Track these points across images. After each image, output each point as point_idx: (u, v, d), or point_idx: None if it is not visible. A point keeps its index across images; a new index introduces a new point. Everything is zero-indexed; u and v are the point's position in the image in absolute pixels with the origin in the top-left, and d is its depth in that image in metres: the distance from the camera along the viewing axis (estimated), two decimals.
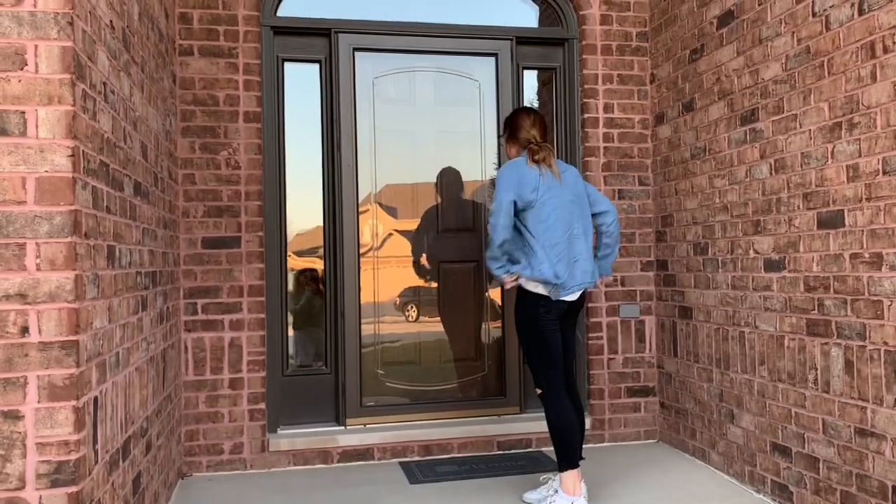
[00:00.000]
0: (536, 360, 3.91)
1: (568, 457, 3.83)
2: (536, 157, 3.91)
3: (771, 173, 3.99)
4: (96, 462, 2.54)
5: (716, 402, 4.51)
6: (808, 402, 3.72)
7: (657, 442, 5.24)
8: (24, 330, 2.28)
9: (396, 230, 5.25)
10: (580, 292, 3.92)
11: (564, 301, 3.85)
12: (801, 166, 3.75)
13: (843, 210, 3.47)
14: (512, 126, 4.10)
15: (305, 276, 5.24)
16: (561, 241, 3.83)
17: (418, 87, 5.26)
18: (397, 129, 5.22)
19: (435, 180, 5.30)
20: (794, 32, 3.80)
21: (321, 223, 5.16)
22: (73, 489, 2.32)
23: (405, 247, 5.27)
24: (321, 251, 5.18)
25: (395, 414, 5.11)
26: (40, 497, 2.29)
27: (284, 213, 5.02)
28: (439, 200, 5.30)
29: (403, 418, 5.10)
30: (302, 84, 5.14)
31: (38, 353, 2.29)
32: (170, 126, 4.36)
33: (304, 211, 5.17)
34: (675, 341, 4.99)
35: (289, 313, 5.07)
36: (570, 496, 3.80)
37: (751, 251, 4.16)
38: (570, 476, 3.82)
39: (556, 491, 3.86)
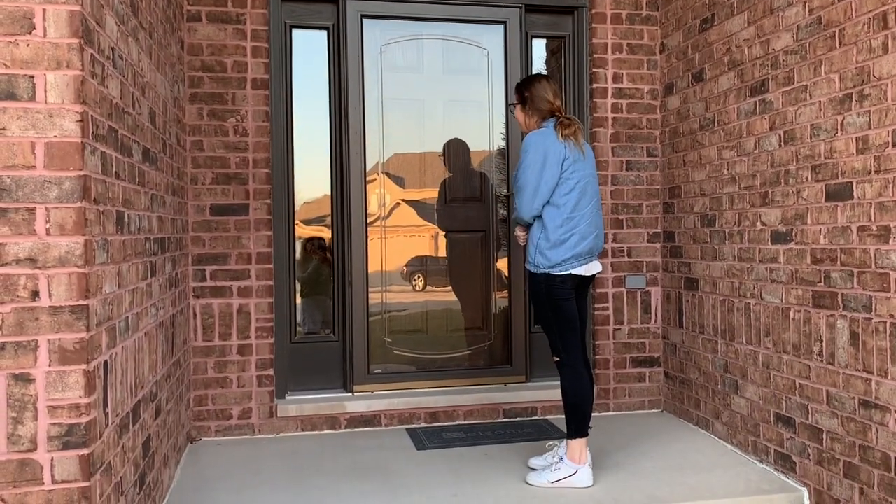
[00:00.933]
0: (554, 328, 3.92)
1: (579, 425, 3.86)
2: (567, 132, 3.85)
3: (780, 145, 3.97)
4: (107, 425, 2.57)
5: (720, 373, 4.53)
6: (812, 373, 3.73)
7: (661, 412, 5.27)
8: (35, 294, 2.30)
9: (404, 199, 5.25)
10: (589, 267, 3.91)
11: (576, 275, 3.87)
12: (811, 138, 3.74)
13: (851, 182, 3.46)
14: (532, 94, 3.99)
15: (313, 244, 5.26)
16: (582, 213, 3.83)
17: (426, 56, 5.24)
18: (405, 97, 5.20)
19: (442, 150, 5.30)
20: (805, 2, 3.77)
21: (328, 192, 5.17)
22: (84, 451, 2.35)
23: (413, 216, 5.27)
24: (328, 220, 5.19)
25: (402, 381, 5.15)
26: (52, 459, 2.32)
27: (292, 180, 5.03)
28: (448, 170, 5.30)
29: (410, 386, 5.14)
30: (310, 51, 5.13)
31: (48, 317, 2.31)
32: (178, 92, 4.35)
33: (311, 179, 5.17)
34: (681, 312, 5.01)
35: (296, 281, 5.09)
36: (575, 464, 3.84)
37: (758, 223, 4.15)
38: (578, 444, 3.86)
39: (561, 458, 3.90)
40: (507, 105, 5.23)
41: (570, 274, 3.84)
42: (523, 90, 4.04)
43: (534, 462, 4.11)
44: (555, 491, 3.80)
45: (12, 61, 2.28)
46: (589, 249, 3.86)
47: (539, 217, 3.87)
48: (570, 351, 3.90)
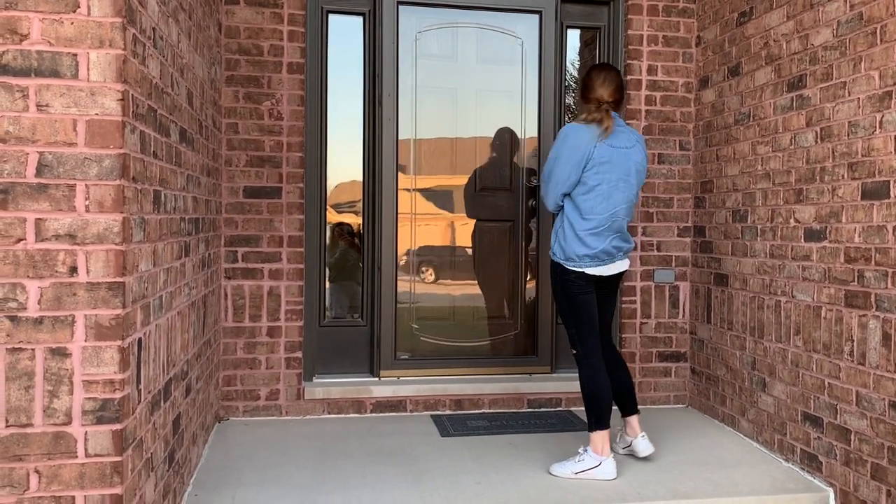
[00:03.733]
0: (570, 321, 3.95)
1: (598, 417, 3.86)
2: (592, 118, 3.85)
3: (816, 141, 3.94)
4: (139, 401, 2.61)
5: (748, 370, 4.51)
6: (842, 373, 3.70)
7: (686, 407, 5.26)
8: (73, 270, 2.34)
9: (434, 187, 5.26)
10: (611, 268, 3.92)
11: (590, 274, 3.88)
12: (848, 135, 3.70)
13: (888, 181, 3.43)
14: (583, 84, 4.00)
15: (343, 229, 5.28)
16: (601, 216, 3.82)
17: (461, 44, 5.23)
18: (438, 85, 5.20)
19: (493, 137, 5.31)
20: None
21: (360, 178, 5.19)
22: (117, 427, 2.39)
23: (443, 203, 5.28)
24: (359, 206, 5.21)
25: (428, 368, 5.17)
26: (85, 433, 2.36)
27: (325, 165, 5.06)
28: (482, 158, 5.29)
29: (436, 372, 5.16)
30: (345, 37, 5.14)
31: (85, 292, 2.35)
32: (215, 74, 4.39)
33: (343, 165, 5.20)
34: (709, 308, 4.98)
35: (326, 266, 5.13)
36: (599, 456, 3.85)
37: (791, 220, 4.12)
38: (600, 436, 3.86)
39: (586, 450, 3.90)
40: (541, 95, 5.22)
41: (583, 272, 3.85)
42: (582, 78, 4.07)
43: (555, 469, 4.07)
44: (578, 482, 3.81)
45: (56, 39, 2.32)
46: (605, 252, 3.85)
47: (562, 208, 3.90)
48: (584, 343, 3.92)
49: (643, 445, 4.07)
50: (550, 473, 3.91)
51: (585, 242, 3.81)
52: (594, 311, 3.93)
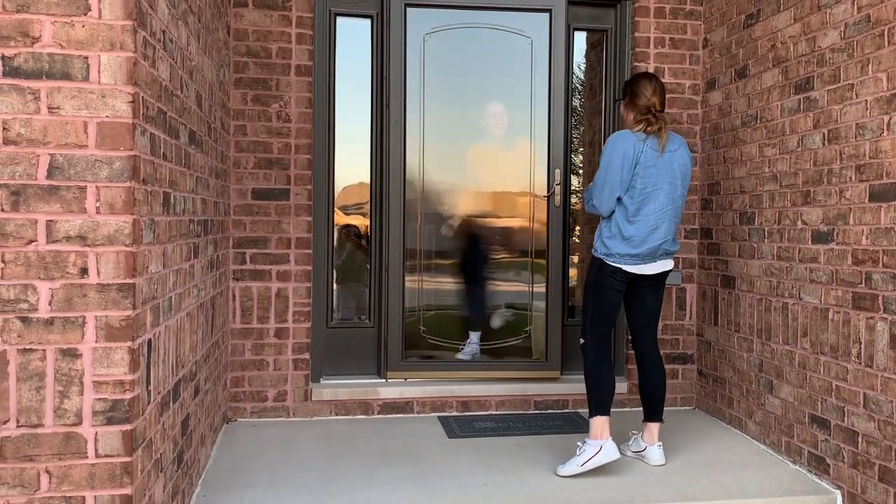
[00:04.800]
0: (588, 311, 4.06)
1: (598, 403, 3.95)
2: (650, 129, 3.94)
3: (823, 143, 3.94)
4: (149, 402, 2.63)
5: (755, 372, 4.51)
6: (850, 375, 3.70)
7: (693, 409, 5.25)
8: (84, 271, 2.36)
9: (442, 189, 5.26)
10: (653, 266, 4.01)
11: (627, 271, 3.97)
12: (856, 137, 3.70)
13: None
14: (633, 91, 4.08)
15: (350, 231, 5.29)
16: (646, 217, 3.92)
17: (469, 45, 5.21)
18: (446, 87, 5.20)
19: (500, 138, 5.31)
20: (854, 0, 3.72)
21: (367, 180, 5.20)
22: (127, 427, 2.40)
23: (451, 206, 5.28)
24: (366, 207, 5.22)
25: (436, 371, 5.17)
26: (96, 433, 2.38)
27: (333, 167, 5.07)
28: (487, 160, 5.30)
29: (443, 375, 5.16)
30: (354, 39, 5.16)
31: (96, 294, 2.37)
32: (223, 77, 4.40)
33: (351, 167, 5.21)
34: (717, 310, 4.98)
35: (333, 267, 5.14)
36: (598, 441, 3.90)
37: (799, 222, 4.12)
38: (599, 421, 3.92)
39: (585, 441, 3.96)
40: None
41: (621, 268, 3.94)
42: (627, 86, 4.16)
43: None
44: (586, 483, 3.81)
45: (68, 41, 2.33)
46: (648, 252, 3.94)
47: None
48: (595, 333, 4.03)
49: (656, 455, 4.10)
50: (557, 475, 3.92)
51: (631, 243, 3.92)
52: (615, 310, 4.05)
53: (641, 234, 3.91)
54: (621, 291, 4.01)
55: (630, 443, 4.23)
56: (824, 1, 3.94)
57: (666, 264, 4.05)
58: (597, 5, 5.37)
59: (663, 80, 5.16)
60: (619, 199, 3.94)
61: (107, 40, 2.36)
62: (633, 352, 4.31)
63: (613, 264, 3.94)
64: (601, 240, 4.00)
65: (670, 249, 4.03)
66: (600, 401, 3.95)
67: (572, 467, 3.91)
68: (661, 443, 4.13)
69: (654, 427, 4.14)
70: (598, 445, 3.89)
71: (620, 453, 3.98)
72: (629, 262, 3.94)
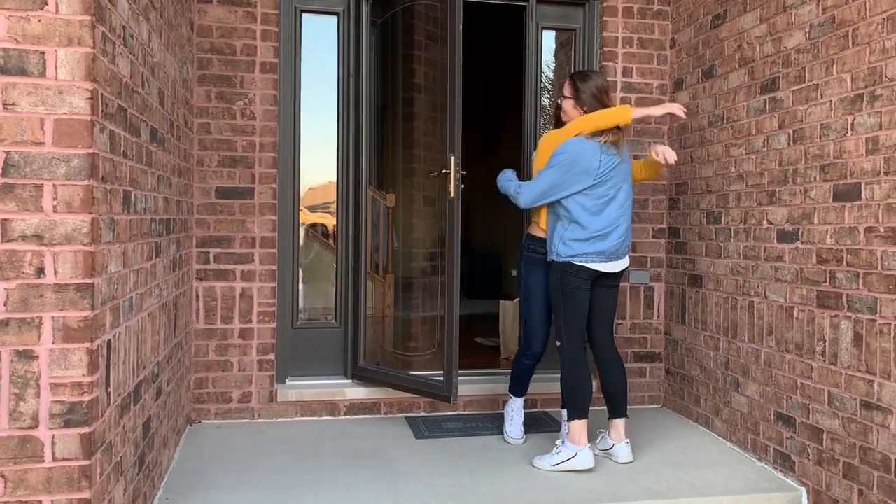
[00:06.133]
0: (559, 314, 4.04)
1: (576, 407, 3.95)
2: (613, 138, 3.94)
3: (789, 143, 3.96)
4: (108, 405, 2.57)
5: (721, 371, 4.53)
6: (814, 373, 3.73)
7: (661, 407, 5.27)
8: (40, 271, 2.30)
9: (411, 189, 5.23)
10: (615, 265, 4.03)
11: (592, 269, 3.96)
12: (820, 137, 3.72)
13: (860, 183, 3.45)
14: (585, 88, 4.07)
15: (316, 230, 5.25)
16: (609, 217, 3.94)
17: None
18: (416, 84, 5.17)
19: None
20: (819, 1, 3.75)
21: (334, 179, 5.14)
22: (86, 430, 2.35)
23: (419, 205, 5.25)
24: (333, 206, 5.17)
25: (403, 370, 5.13)
26: (53, 436, 2.33)
27: (299, 165, 5.01)
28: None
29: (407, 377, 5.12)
30: (320, 36, 5.10)
31: (53, 294, 2.31)
32: (186, 74, 4.34)
33: (317, 165, 5.16)
34: (684, 309, 5.00)
35: (299, 267, 5.08)
36: (575, 446, 3.90)
37: (764, 221, 4.14)
38: (577, 426, 3.93)
39: (563, 441, 3.97)
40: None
41: (586, 266, 3.93)
42: (577, 83, 4.10)
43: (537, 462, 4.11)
44: (554, 482, 3.80)
45: (23, 36, 2.28)
46: (610, 250, 3.96)
47: (565, 212, 3.97)
48: (569, 336, 4.01)
49: (624, 452, 4.10)
50: (532, 465, 3.97)
51: (591, 241, 3.92)
52: (584, 309, 4.03)
53: (603, 233, 3.93)
54: (587, 289, 4.00)
55: (598, 441, 4.22)
56: (790, 2, 3.96)
57: (619, 263, 4.06)
58: (565, 4, 5.35)
59: (631, 80, 5.20)
60: (579, 199, 3.92)
61: (64, 35, 2.31)
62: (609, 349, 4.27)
63: (579, 264, 3.93)
64: (564, 243, 3.94)
65: (626, 247, 4.07)
66: (578, 404, 3.96)
67: (545, 465, 3.94)
68: (628, 440, 4.12)
69: (619, 423, 4.14)
70: (575, 451, 3.90)
71: (594, 462, 3.97)
72: (595, 260, 3.93)
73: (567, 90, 4.13)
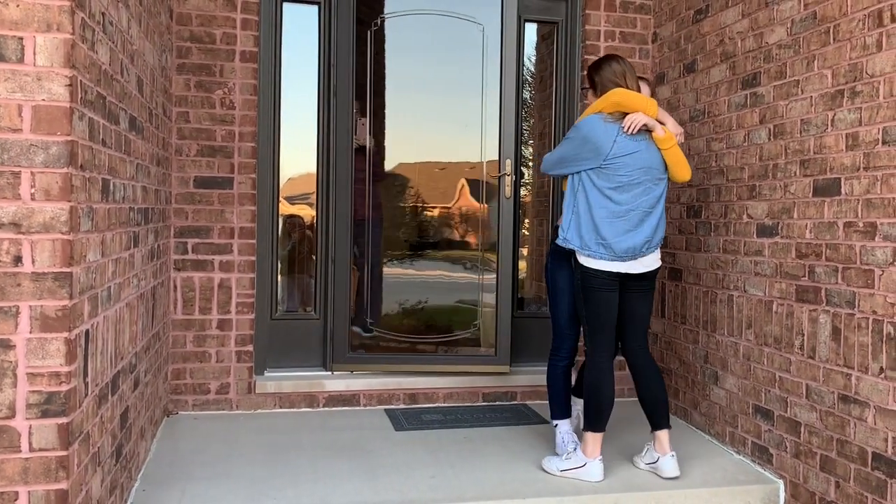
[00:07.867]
0: (584, 320, 3.87)
1: (592, 418, 3.78)
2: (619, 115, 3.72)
3: (769, 138, 3.98)
4: (86, 395, 2.54)
5: (700, 364, 4.55)
6: (793, 366, 3.75)
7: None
8: (18, 259, 2.27)
9: (392, 179, 5.21)
10: (639, 264, 3.77)
11: (615, 271, 3.74)
12: (801, 133, 3.74)
13: (839, 178, 3.47)
14: (602, 77, 3.86)
15: (295, 221, 5.22)
16: (630, 209, 3.69)
17: (419, 32, 5.13)
18: (396, 74, 5.14)
19: (450, 125, 5.25)
20: None
21: (314, 169, 5.12)
22: (63, 420, 2.32)
23: (400, 196, 5.23)
24: (313, 197, 5.15)
25: (382, 364, 5.11)
26: (30, 427, 2.29)
27: (278, 156, 4.98)
28: (438, 147, 5.26)
29: (390, 367, 5.10)
30: (301, 26, 5.07)
31: (30, 283, 2.28)
32: (166, 62, 4.30)
33: (297, 156, 5.13)
34: (664, 302, 5.02)
35: (278, 258, 5.06)
36: (585, 457, 3.78)
37: (744, 216, 4.16)
38: (591, 438, 3.78)
39: (575, 449, 3.86)
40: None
41: (603, 269, 3.72)
42: (593, 73, 3.93)
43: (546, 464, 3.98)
44: (534, 475, 3.80)
45: (1, 22, 2.24)
46: (631, 248, 3.69)
47: (583, 193, 3.73)
48: (592, 340, 3.83)
49: (670, 466, 3.82)
50: (542, 468, 3.88)
51: (607, 237, 3.68)
52: (609, 311, 3.80)
53: (624, 228, 3.70)
54: (612, 291, 3.77)
55: (644, 454, 3.98)
56: None
57: (646, 262, 3.80)
58: None
59: None
60: (592, 189, 3.70)
61: (43, 21, 2.27)
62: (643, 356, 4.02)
63: (593, 267, 3.72)
64: (577, 231, 3.73)
65: (652, 244, 3.79)
66: (596, 416, 3.77)
67: (553, 468, 3.85)
68: (673, 453, 3.84)
69: (663, 435, 3.87)
70: (584, 461, 3.77)
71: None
72: (612, 258, 3.70)
73: (587, 83, 4.04)
